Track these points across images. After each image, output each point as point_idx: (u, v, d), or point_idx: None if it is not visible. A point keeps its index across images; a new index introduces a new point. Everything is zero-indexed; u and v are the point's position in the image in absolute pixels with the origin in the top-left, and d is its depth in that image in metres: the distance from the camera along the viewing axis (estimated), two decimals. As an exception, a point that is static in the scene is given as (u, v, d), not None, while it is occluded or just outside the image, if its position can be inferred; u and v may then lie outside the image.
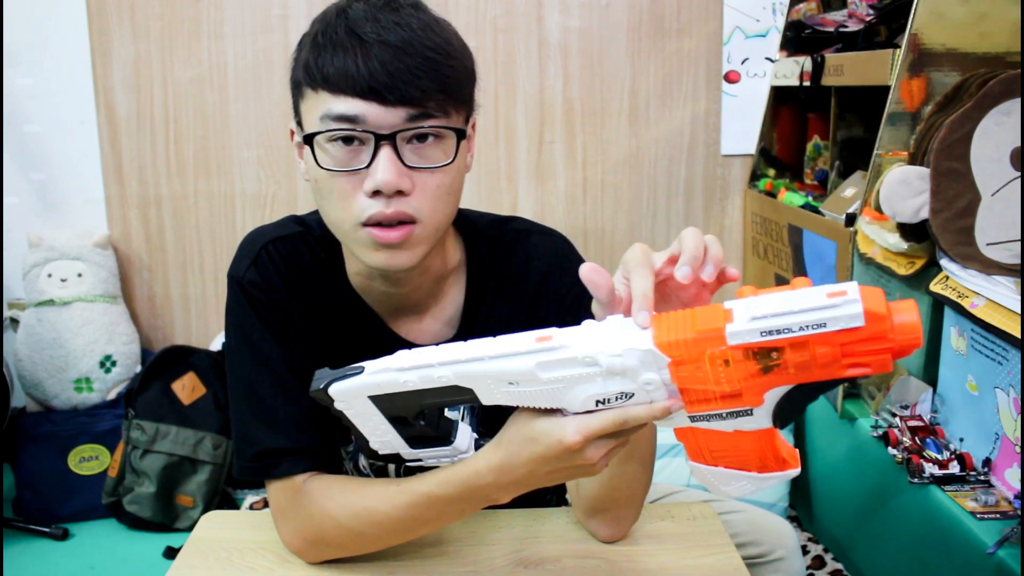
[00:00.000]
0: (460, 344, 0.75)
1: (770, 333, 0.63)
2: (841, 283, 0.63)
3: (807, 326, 0.62)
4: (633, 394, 0.71)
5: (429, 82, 0.86)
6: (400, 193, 0.87)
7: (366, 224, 0.88)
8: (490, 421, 0.87)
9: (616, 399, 0.72)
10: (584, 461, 0.75)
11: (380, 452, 0.85)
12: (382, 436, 0.83)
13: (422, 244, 0.91)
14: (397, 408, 0.79)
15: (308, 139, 0.88)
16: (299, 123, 0.93)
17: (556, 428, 0.74)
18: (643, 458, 0.95)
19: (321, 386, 0.80)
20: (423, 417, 0.81)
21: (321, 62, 0.86)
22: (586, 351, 0.70)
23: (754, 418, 0.69)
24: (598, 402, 0.72)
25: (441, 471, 0.86)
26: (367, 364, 0.78)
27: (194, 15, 2.43)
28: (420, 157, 0.88)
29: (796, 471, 0.73)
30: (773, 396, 0.67)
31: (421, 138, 0.88)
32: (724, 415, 0.69)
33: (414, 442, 0.84)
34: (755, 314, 0.64)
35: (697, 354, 0.67)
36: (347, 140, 0.87)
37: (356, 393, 0.79)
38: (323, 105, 0.87)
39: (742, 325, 0.64)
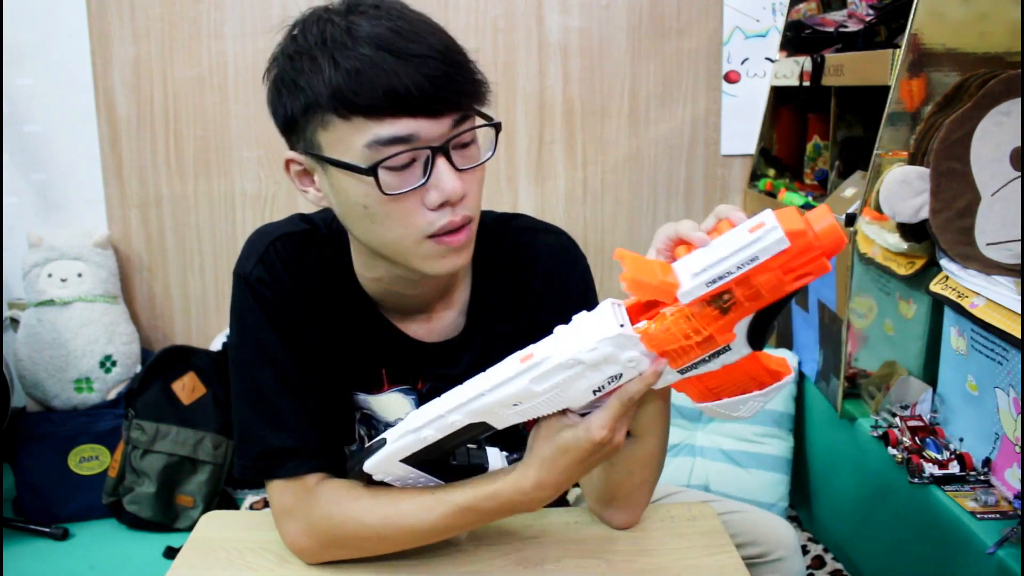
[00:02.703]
0: (459, 388, 0.81)
1: (714, 282, 0.70)
2: (758, 214, 0.69)
3: (742, 264, 0.69)
4: (621, 374, 0.77)
5: (464, 84, 0.86)
6: (462, 198, 0.88)
7: (434, 235, 0.88)
8: (505, 435, 0.88)
9: (609, 383, 0.78)
10: (611, 447, 0.81)
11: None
12: (426, 484, 0.90)
13: (473, 240, 0.93)
14: (428, 460, 0.86)
15: (372, 171, 0.84)
16: (311, 151, 0.89)
17: (582, 432, 0.80)
18: (656, 439, 0.97)
19: (356, 469, 0.87)
20: (455, 457, 0.89)
21: (356, 87, 0.82)
22: (566, 355, 0.76)
23: (733, 351, 0.75)
24: (595, 391, 0.78)
25: (478, 485, 0.88)
26: (387, 434, 0.85)
27: (194, 15, 2.43)
28: (466, 159, 0.89)
29: (791, 376, 0.80)
30: (742, 327, 0.74)
31: (464, 141, 0.89)
32: (707, 358, 0.76)
33: (452, 478, 0.90)
34: (694, 270, 0.71)
35: (661, 321, 0.74)
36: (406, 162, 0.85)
37: (388, 462, 0.86)
38: (367, 132, 0.83)
39: (688, 284, 0.71)
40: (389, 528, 0.91)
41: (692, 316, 0.72)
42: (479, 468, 0.90)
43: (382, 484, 0.91)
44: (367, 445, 0.85)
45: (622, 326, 0.75)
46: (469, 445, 0.89)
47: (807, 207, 2.04)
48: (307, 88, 0.85)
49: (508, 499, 0.86)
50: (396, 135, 0.83)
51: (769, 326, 0.74)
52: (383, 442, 0.84)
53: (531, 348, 0.79)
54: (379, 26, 0.84)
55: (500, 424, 0.81)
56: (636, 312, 0.77)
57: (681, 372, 0.77)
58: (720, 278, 0.69)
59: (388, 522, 0.91)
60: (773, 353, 0.79)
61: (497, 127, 0.91)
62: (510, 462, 0.88)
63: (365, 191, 0.86)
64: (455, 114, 0.86)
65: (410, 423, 0.83)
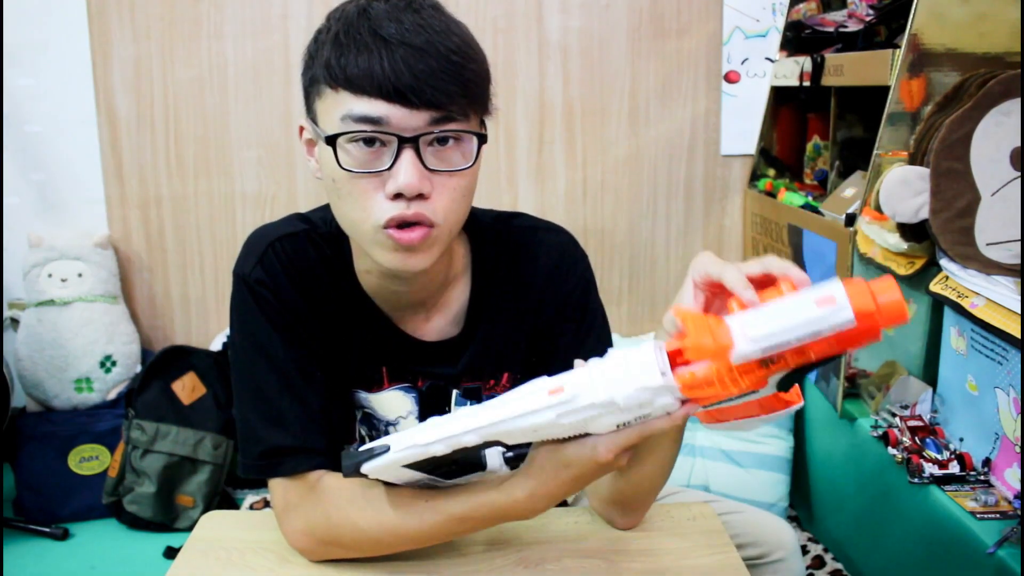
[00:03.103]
0: (478, 408, 0.79)
1: (771, 349, 0.67)
2: (824, 284, 0.66)
3: (804, 338, 0.66)
4: (651, 413, 0.74)
5: (453, 85, 0.86)
6: (420, 196, 0.87)
7: (386, 226, 0.88)
8: None
9: (636, 420, 0.75)
10: (613, 467, 0.80)
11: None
12: (418, 481, 0.88)
13: (437, 246, 0.91)
14: (431, 464, 0.84)
15: (330, 140, 0.87)
16: (313, 120, 0.92)
17: (588, 451, 0.78)
18: (666, 457, 0.97)
19: (352, 468, 0.84)
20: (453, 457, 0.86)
21: (344, 61, 0.85)
22: (601, 397, 0.73)
23: (759, 393, 0.74)
24: (619, 425, 0.76)
25: (473, 493, 0.88)
26: (391, 441, 0.82)
27: (194, 15, 2.43)
28: (440, 160, 0.88)
29: (800, 404, 0.77)
30: (775, 377, 0.72)
31: (442, 141, 0.88)
32: (734, 398, 0.73)
33: (449, 475, 0.88)
34: (752, 335, 0.67)
35: (706, 376, 0.71)
36: (369, 141, 0.86)
37: (388, 470, 0.84)
38: (344, 105, 0.86)
39: (744, 347, 0.67)
40: (384, 534, 0.91)
41: (735, 369, 0.70)
42: (477, 465, 0.88)
43: (379, 483, 0.90)
44: (368, 446, 0.84)
45: (663, 374, 0.71)
46: None
47: (808, 207, 2.04)
48: (315, 59, 0.89)
49: (502, 508, 0.86)
50: (367, 114, 0.85)
51: (803, 377, 0.73)
52: (385, 448, 0.82)
53: (560, 380, 0.75)
54: (391, 15, 0.86)
55: (512, 441, 0.80)
56: (676, 354, 0.74)
57: (705, 407, 0.76)
58: (777, 347, 0.67)
59: (383, 528, 0.90)
60: None
61: (480, 139, 0.90)
62: (507, 459, 0.87)
63: (334, 164, 0.88)
64: (434, 111, 0.86)
65: (418, 438, 0.80)
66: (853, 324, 0.65)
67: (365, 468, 0.83)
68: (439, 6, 0.91)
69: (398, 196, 0.87)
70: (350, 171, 0.87)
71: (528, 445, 0.85)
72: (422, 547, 0.94)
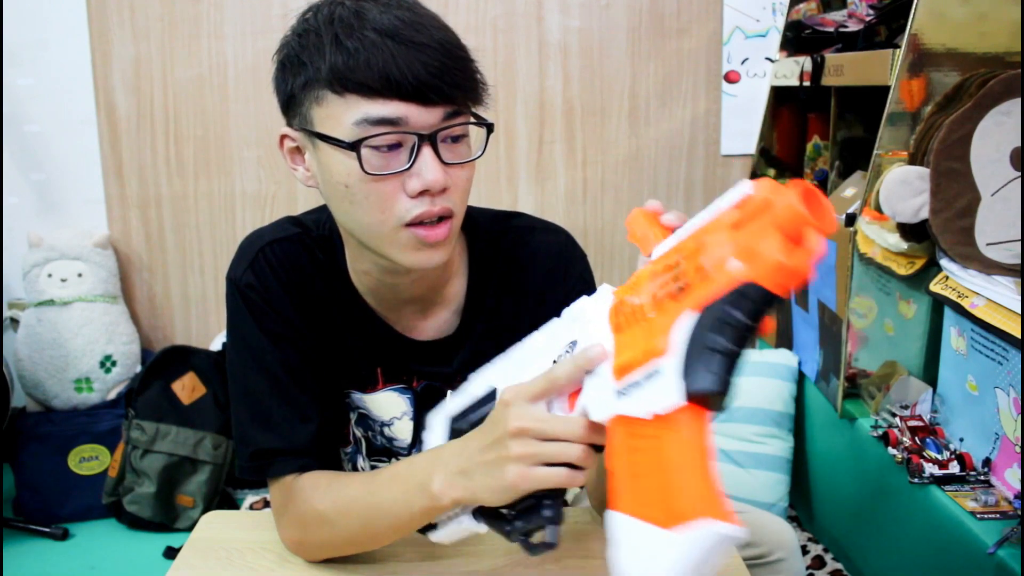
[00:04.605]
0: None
1: (679, 239, 0.62)
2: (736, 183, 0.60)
3: (705, 218, 0.60)
4: (576, 341, 0.70)
5: (461, 79, 0.87)
6: (443, 191, 0.88)
7: (410, 224, 0.88)
8: None
9: (565, 352, 0.71)
10: (509, 430, 0.71)
11: None
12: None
13: (453, 238, 0.93)
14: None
15: (354, 146, 0.85)
16: (306, 128, 0.90)
17: (499, 400, 0.75)
18: None
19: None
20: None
21: (353, 65, 0.84)
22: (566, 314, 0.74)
23: (664, 376, 0.56)
24: (554, 361, 0.72)
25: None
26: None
27: (194, 15, 2.43)
28: (454, 154, 0.89)
29: (741, 532, 0.51)
30: (680, 333, 0.56)
31: (453, 135, 0.89)
32: (641, 381, 0.59)
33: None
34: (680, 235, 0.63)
35: (636, 279, 0.66)
36: (390, 144, 0.86)
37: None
38: (358, 109, 0.85)
39: (666, 244, 0.64)
40: (345, 517, 0.90)
41: (655, 277, 0.61)
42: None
43: (348, 473, 0.91)
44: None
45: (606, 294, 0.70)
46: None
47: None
48: (308, 64, 0.87)
49: (421, 465, 0.82)
50: (385, 116, 0.85)
51: (706, 361, 0.54)
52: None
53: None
54: (387, 14, 0.86)
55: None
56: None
57: (620, 392, 0.61)
58: (687, 232, 0.61)
59: (343, 512, 0.90)
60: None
61: (489, 128, 0.92)
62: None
63: (348, 169, 0.87)
64: (447, 106, 0.87)
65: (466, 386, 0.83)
66: (750, 190, 0.55)
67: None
68: (418, 2, 0.92)
69: (422, 193, 0.87)
70: (374, 175, 0.86)
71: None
72: (394, 533, 0.89)
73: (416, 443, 1.06)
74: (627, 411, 0.58)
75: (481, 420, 0.78)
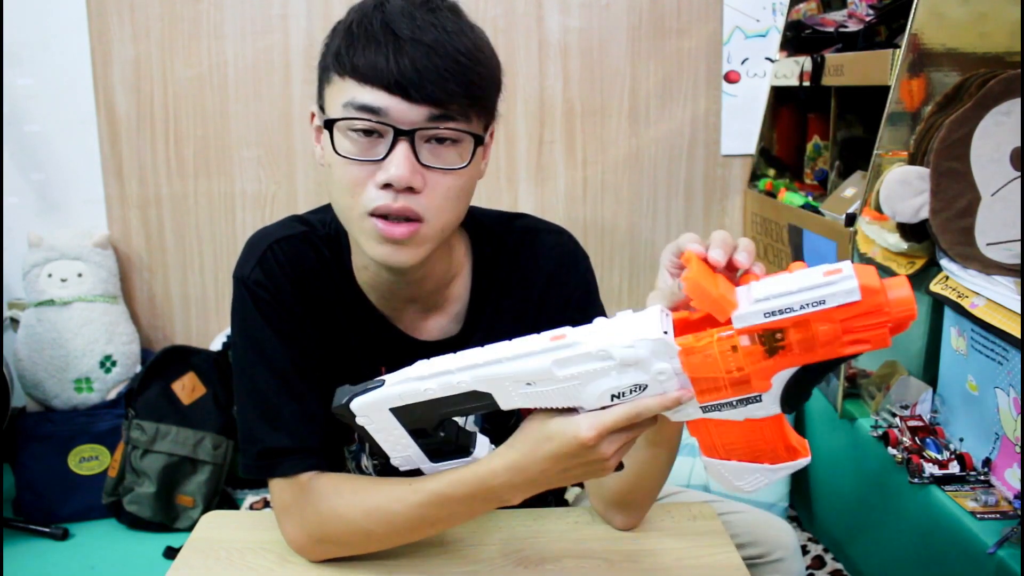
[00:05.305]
0: (477, 349, 0.77)
1: (773, 314, 0.66)
2: (836, 263, 0.65)
3: (807, 304, 0.65)
4: (646, 385, 0.73)
5: (455, 85, 0.87)
6: (411, 190, 0.88)
7: (372, 215, 0.89)
8: (496, 431, 0.87)
9: (630, 392, 0.74)
10: (597, 457, 0.77)
11: (401, 468, 0.87)
12: (403, 451, 0.85)
13: (426, 243, 0.92)
14: (417, 419, 0.81)
15: (329, 124, 0.89)
16: (322, 107, 0.94)
17: (570, 425, 0.76)
18: (669, 452, 0.96)
19: (343, 401, 0.82)
20: (443, 428, 0.83)
21: (352, 51, 0.88)
22: (599, 345, 0.72)
23: (763, 404, 0.71)
24: (613, 396, 0.74)
25: (454, 471, 0.86)
26: (387, 376, 0.80)
27: (194, 15, 2.43)
28: (436, 157, 0.89)
29: (806, 460, 0.74)
30: (780, 380, 0.69)
31: (439, 139, 0.89)
32: (734, 403, 0.71)
33: (435, 455, 0.86)
34: (757, 296, 0.66)
35: (706, 342, 0.69)
36: (367, 131, 0.88)
37: (378, 406, 0.81)
38: (348, 93, 0.88)
39: (746, 308, 0.67)
40: (372, 522, 0.91)
41: (738, 348, 0.68)
42: (464, 450, 0.86)
43: (367, 476, 0.90)
44: (363, 384, 0.82)
45: (665, 333, 0.71)
46: (461, 422, 0.86)
47: (808, 207, 2.04)
48: (329, 46, 0.92)
49: (482, 481, 0.84)
50: (367, 103, 0.87)
51: (808, 389, 0.70)
52: (380, 383, 0.80)
53: (566, 329, 0.75)
54: (405, 11, 0.88)
55: (504, 403, 0.77)
56: (681, 328, 0.73)
57: (704, 410, 0.73)
58: (781, 312, 0.66)
59: (370, 517, 0.90)
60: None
61: (477, 140, 0.91)
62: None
63: (330, 149, 0.90)
64: (434, 108, 0.87)
65: (413, 371, 0.79)
66: (858, 296, 0.64)
67: (355, 404, 0.81)
68: (457, 9, 0.93)
69: (387, 186, 0.88)
70: (345, 157, 0.89)
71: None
72: (415, 538, 0.93)
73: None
74: (717, 416, 0.73)
75: (478, 418, 0.80)
